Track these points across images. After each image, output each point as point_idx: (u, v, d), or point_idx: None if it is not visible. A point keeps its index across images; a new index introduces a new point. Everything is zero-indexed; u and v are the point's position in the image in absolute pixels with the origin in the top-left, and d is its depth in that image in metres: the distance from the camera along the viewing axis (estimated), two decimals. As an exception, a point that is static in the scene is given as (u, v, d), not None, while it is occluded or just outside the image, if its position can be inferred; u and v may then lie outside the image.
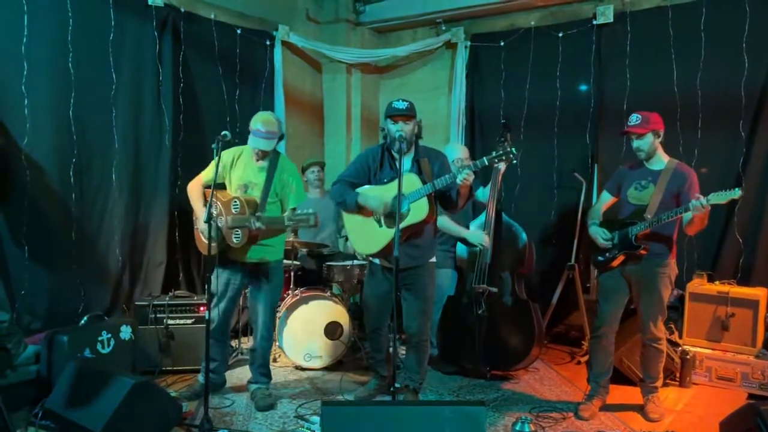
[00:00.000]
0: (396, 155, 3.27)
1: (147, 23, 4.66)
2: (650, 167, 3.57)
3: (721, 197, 3.21)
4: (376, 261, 3.65)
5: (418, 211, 3.32)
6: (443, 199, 3.45)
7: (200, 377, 3.84)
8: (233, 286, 3.72)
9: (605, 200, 3.76)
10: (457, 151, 4.53)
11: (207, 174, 3.74)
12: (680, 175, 3.49)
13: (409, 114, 3.41)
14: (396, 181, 3.15)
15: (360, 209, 3.51)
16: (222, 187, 3.76)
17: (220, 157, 3.38)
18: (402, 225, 3.25)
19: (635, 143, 3.53)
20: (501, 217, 4.30)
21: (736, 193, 3.20)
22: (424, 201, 3.31)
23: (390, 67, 6.37)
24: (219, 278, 3.63)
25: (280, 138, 3.61)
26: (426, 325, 3.67)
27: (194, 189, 3.76)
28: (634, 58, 4.88)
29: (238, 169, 3.68)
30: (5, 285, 3.88)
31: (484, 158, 3.17)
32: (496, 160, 3.16)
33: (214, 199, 3.65)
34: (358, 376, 4.30)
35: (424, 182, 3.34)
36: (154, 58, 4.71)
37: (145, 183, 4.73)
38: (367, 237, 3.53)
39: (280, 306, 4.47)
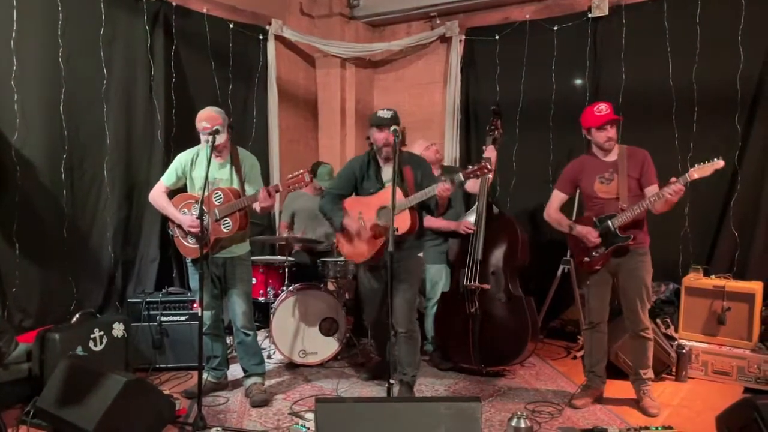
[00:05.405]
0: (382, 165, 3.56)
1: (138, 17, 4.61)
2: (606, 159, 3.50)
3: (704, 170, 3.13)
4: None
5: (400, 223, 3.36)
6: (423, 209, 3.58)
7: (206, 375, 3.80)
8: (210, 281, 3.68)
9: (561, 200, 3.68)
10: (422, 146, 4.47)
11: (168, 178, 3.72)
12: (636, 158, 3.44)
13: (393, 123, 3.46)
14: (379, 193, 3.53)
15: (344, 230, 3.64)
16: (184, 190, 3.75)
17: (210, 157, 3.36)
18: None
19: (610, 133, 3.41)
20: (492, 209, 4.27)
21: (720, 163, 3.11)
22: (406, 213, 3.41)
23: (384, 61, 6.34)
24: (196, 277, 3.57)
25: (230, 127, 3.59)
26: (411, 314, 3.70)
27: (159, 197, 3.72)
28: (629, 51, 4.86)
29: (198, 168, 3.64)
30: (-4, 283, 3.85)
31: (460, 174, 3.30)
32: (471, 176, 3.28)
33: (191, 201, 3.62)
34: (354, 372, 4.29)
35: (405, 194, 3.43)
36: (145, 52, 4.66)
37: (137, 179, 4.68)
38: (354, 246, 3.66)
39: (275, 303, 4.45)
